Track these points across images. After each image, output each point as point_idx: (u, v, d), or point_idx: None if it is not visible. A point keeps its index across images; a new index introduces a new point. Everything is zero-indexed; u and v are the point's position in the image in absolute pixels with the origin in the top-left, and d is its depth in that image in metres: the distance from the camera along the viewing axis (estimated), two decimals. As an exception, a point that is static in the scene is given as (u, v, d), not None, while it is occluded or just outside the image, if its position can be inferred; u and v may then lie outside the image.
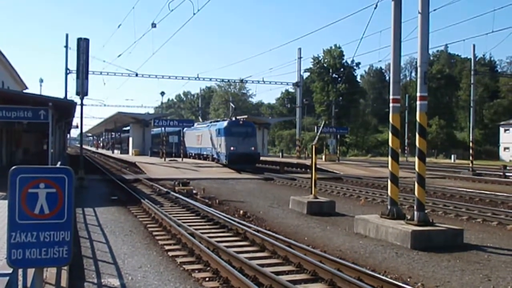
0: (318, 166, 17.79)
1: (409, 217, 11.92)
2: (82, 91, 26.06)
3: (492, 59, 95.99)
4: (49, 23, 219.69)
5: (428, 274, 8.89)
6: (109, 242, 11.11)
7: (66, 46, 30.95)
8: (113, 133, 78.43)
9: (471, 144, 39.13)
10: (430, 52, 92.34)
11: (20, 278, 5.57)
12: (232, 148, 36.83)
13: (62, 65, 34.21)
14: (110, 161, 53.95)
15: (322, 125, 31.35)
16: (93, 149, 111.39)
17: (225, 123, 39.25)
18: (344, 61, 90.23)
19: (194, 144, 47.88)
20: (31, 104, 20.66)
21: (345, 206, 17.96)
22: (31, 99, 21.55)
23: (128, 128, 64.06)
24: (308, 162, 36.99)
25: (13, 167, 4.72)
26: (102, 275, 8.42)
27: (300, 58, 53.09)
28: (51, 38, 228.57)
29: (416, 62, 12.80)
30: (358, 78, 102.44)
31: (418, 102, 12.14)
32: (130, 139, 58.87)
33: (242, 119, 43.73)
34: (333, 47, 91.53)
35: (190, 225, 12.63)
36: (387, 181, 12.98)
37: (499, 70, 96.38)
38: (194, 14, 21.92)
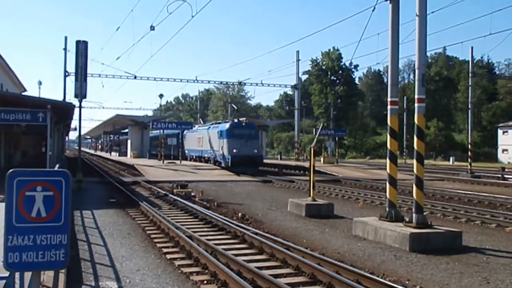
0: (316, 168, 17.79)
1: (407, 220, 11.91)
2: (81, 93, 26.04)
3: (490, 61, 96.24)
4: (48, 25, 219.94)
5: (426, 276, 8.88)
6: (107, 244, 11.08)
7: (65, 49, 30.87)
8: (111, 136, 78.39)
9: (469, 146, 39.18)
10: (428, 54, 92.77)
11: (17, 281, 5.54)
12: (234, 151, 35.99)
13: (61, 68, 34.14)
14: (108, 163, 53.90)
15: (320, 128, 31.26)
16: (92, 151, 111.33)
17: (227, 125, 38.40)
18: (342, 63, 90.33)
19: (195, 146, 46.91)
20: (30, 106, 20.62)
21: (343, 209, 17.95)
22: (29, 102, 21.51)
23: (126, 130, 64.02)
24: (306, 164, 37.02)
25: (10, 170, 4.71)
26: (100, 278, 8.40)
27: (298, 60, 53.14)
28: (50, 40, 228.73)
29: (414, 64, 12.82)
30: (357, 81, 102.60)
31: (416, 104, 12.15)
32: (129, 141, 58.83)
33: (244, 121, 43.17)
34: (332, 50, 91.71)
35: (188, 228, 12.61)
36: (385, 183, 12.98)
37: (497, 72, 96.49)
38: (192, 16, 21.98)
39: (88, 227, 13.38)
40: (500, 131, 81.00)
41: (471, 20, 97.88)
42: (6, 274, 5.08)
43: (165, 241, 11.52)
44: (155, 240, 11.56)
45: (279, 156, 71.29)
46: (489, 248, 11.42)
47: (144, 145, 56.73)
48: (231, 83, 78.21)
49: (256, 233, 11.81)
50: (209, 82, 56.80)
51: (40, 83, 56.66)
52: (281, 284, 7.56)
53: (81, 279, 8.26)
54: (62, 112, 26.11)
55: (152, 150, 55.46)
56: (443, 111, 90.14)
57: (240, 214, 15.76)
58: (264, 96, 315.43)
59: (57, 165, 24.63)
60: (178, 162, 42.92)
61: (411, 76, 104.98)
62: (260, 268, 8.73)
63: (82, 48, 26.19)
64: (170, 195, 20.18)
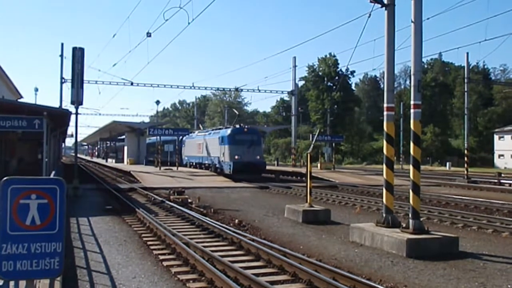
0: (313, 174, 17.79)
1: (404, 225, 11.90)
2: (77, 100, 26.04)
3: (485, 67, 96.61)
4: (45, 32, 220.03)
5: (423, 282, 8.86)
6: (103, 252, 11.04)
7: (61, 56, 30.88)
8: (108, 142, 78.30)
9: (466, 152, 39.23)
10: (424, 60, 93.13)
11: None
12: (236, 157, 35.08)
13: (57, 74, 34.20)
14: (105, 170, 53.80)
15: (317, 133, 31.18)
16: (88, 158, 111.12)
17: (228, 131, 37.42)
18: (339, 69, 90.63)
19: (194, 153, 45.90)
20: (26, 113, 20.56)
21: (340, 215, 17.93)
22: (25, 108, 21.45)
23: (123, 137, 63.94)
24: (303, 170, 36.95)
25: (4, 178, 4.68)
26: (96, 285, 8.36)
27: (295, 66, 53.21)
28: (46, 47, 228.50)
29: (410, 70, 12.85)
30: (353, 86, 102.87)
31: (412, 110, 12.17)
32: (125, 148, 58.77)
33: (246, 126, 41.63)
34: (328, 56, 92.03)
35: (185, 235, 12.58)
36: (382, 189, 12.98)
37: (493, 78, 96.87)
38: (188, 23, 21.97)
39: (84, 234, 13.34)
40: (496, 137, 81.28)
41: (467, 26, 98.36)
42: (0, 283, 5.04)
43: (162, 248, 11.48)
44: (152, 247, 11.52)
45: (276, 162, 71.28)
46: (486, 253, 11.42)
47: (141, 152, 56.67)
48: (228, 89, 78.32)
49: (253, 240, 11.78)
50: (206, 88, 57.01)
51: (36, 89, 56.88)
52: (277, 291, 7.53)
53: (77, 287, 8.22)
54: (58, 119, 26.05)
55: (149, 156, 55.37)
56: (439, 117, 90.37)
57: (237, 221, 15.73)
58: (260, 102, 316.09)
59: (53, 172, 24.58)
60: (175, 168, 42.84)
61: (407, 82, 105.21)
62: (257, 275, 8.70)
63: (78, 55, 26.21)
64: (167, 202, 20.12)
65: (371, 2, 12.86)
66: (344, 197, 23.82)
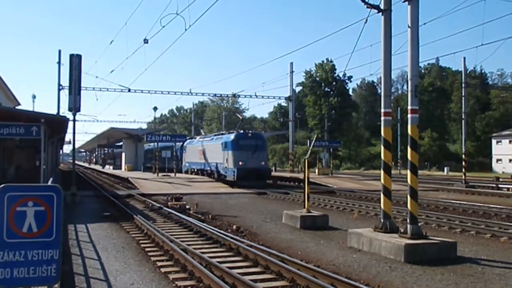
0: (311, 180, 17.77)
1: (402, 230, 11.89)
2: (75, 107, 25.99)
3: (482, 71, 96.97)
4: (42, 39, 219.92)
5: (421, 287, 8.85)
6: (101, 258, 11.01)
7: (59, 62, 30.93)
8: (105, 149, 78.17)
9: (463, 156, 39.29)
10: (422, 65, 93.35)
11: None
12: (240, 163, 33.76)
13: (55, 81, 34.17)
14: (102, 176, 53.72)
15: (314, 139, 31.25)
16: (86, 164, 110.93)
17: (232, 136, 36.01)
18: (336, 74, 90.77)
19: (196, 159, 44.15)
20: (23, 120, 20.57)
21: (338, 220, 17.91)
22: (23, 116, 21.44)
23: (121, 143, 63.87)
24: (301, 175, 36.88)
25: (1, 186, 4.68)
26: (93, 293, 8.33)
27: (292, 72, 53.29)
28: (44, 54, 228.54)
29: (407, 75, 12.87)
30: (350, 92, 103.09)
31: (409, 115, 12.18)
32: (123, 154, 58.67)
33: (250, 131, 40.29)
34: (325, 61, 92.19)
35: (182, 241, 12.54)
36: (380, 194, 12.98)
37: (490, 83, 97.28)
38: (185, 29, 22.03)
39: (82, 241, 13.30)
40: (494, 141, 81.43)
41: (463, 31, 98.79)
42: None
43: (160, 254, 11.45)
44: (150, 254, 11.48)
45: (273, 168, 71.27)
46: (484, 258, 11.41)
47: (139, 158, 56.60)
48: (226, 95, 78.35)
49: (251, 246, 11.76)
50: (203, 94, 57.12)
51: (34, 97, 56.59)
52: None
53: (74, 294, 8.19)
54: (56, 126, 26.07)
55: (147, 163, 55.27)
56: (437, 122, 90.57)
57: (234, 227, 15.71)
58: (258, 108, 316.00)
59: (51, 179, 24.55)
60: (172, 175, 42.78)
61: (405, 87, 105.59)
62: (255, 280, 8.68)
63: (75, 61, 26.19)
64: (165, 208, 20.08)
65: (368, 7, 12.90)
66: (342, 202, 23.80)
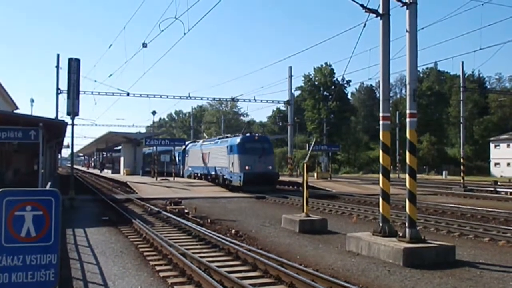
0: (310, 184, 17.79)
1: (401, 234, 11.89)
2: (73, 111, 26.05)
3: (481, 75, 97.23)
4: (40, 43, 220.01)
5: (420, 292, 8.85)
6: (99, 263, 10.99)
7: (57, 66, 30.91)
8: (104, 153, 78.12)
9: (462, 160, 39.34)
10: (420, 69, 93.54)
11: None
12: (247, 168, 32.42)
13: (53, 85, 34.20)
14: (101, 181, 53.67)
15: (313, 143, 31.21)
16: (84, 169, 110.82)
17: (237, 139, 34.47)
18: (335, 79, 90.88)
19: (199, 163, 42.39)
20: (22, 124, 20.53)
21: (337, 224, 17.91)
22: (21, 120, 21.42)
23: (119, 147, 63.84)
24: (300, 179, 36.87)
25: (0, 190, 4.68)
26: (92, 297, 8.31)
27: (291, 76, 53.45)
28: (42, 58, 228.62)
29: (406, 79, 12.90)
30: (349, 96, 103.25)
31: (407, 119, 12.21)
32: (122, 158, 58.64)
33: (257, 134, 39.01)
34: (324, 65, 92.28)
35: (181, 245, 12.53)
36: (378, 198, 12.98)
37: (488, 87, 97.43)
38: (184, 34, 22.04)
39: (81, 245, 13.28)
40: (492, 145, 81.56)
41: (461, 35, 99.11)
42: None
43: (158, 258, 11.43)
44: (148, 258, 11.47)
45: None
46: (483, 262, 11.42)
47: (137, 162, 56.58)
48: (224, 99, 78.42)
49: (250, 250, 11.75)
50: (202, 98, 57.16)
51: (32, 101, 56.67)
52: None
53: (73, 299, 8.17)
54: (54, 130, 26.01)
55: (146, 167, 55.19)
56: (435, 126, 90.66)
57: (233, 231, 15.69)
58: (257, 112, 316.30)
59: (49, 183, 24.51)
60: (171, 179, 42.74)
61: (403, 91, 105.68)
62: (254, 285, 8.68)
63: (74, 65, 26.25)
64: (163, 212, 20.07)
65: (366, 12, 12.94)
66: (341, 206, 23.80)
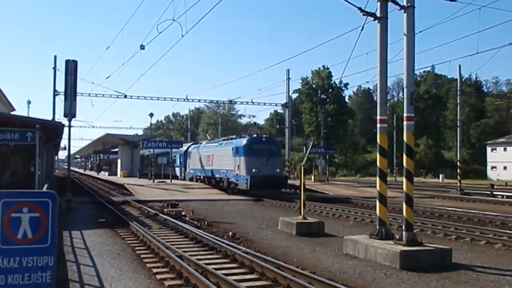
0: (307, 186, 17.79)
1: (397, 237, 11.91)
2: (70, 112, 25.97)
3: (478, 79, 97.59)
4: (38, 45, 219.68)
5: (417, 295, 8.86)
6: (96, 265, 10.97)
7: (54, 68, 30.89)
8: (101, 155, 78.01)
9: (458, 164, 39.40)
10: (417, 72, 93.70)
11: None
12: (254, 171, 30.97)
13: (50, 87, 34.11)
14: (98, 183, 53.56)
15: (310, 146, 31.03)
16: (81, 170, 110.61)
17: (244, 140, 33.04)
18: (332, 82, 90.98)
19: (202, 165, 40.84)
20: (18, 126, 20.52)
21: (334, 227, 17.91)
22: (18, 121, 21.39)
23: (116, 149, 63.74)
24: (297, 182, 36.76)
25: (-4, 192, 4.67)
26: (88, 299, 8.29)
27: (288, 79, 53.30)
28: (39, 60, 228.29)
29: (403, 82, 12.93)
30: (347, 99, 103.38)
31: (405, 123, 12.23)
32: (119, 160, 58.55)
33: (265, 135, 37.56)
34: (322, 68, 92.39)
35: (178, 248, 12.51)
36: (375, 201, 12.99)
37: (485, 90, 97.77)
38: (182, 36, 22.00)
39: (77, 247, 13.25)
40: (488, 148, 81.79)
41: (459, 39, 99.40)
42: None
43: (155, 261, 11.41)
44: (145, 260, 11.45)
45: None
46: (479, 265, 11.43)
47: (134, 164, 56.47)
48: (222, 102, 78.39)
49: (247, 252, 11.75)
50: (199, 100, 56.82)
51: (29, 102, 56.67)
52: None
53: (69, 301, 8.15)
54: (51, 132, 26.00)
55: (143, 169, 55.07)
56: (432, 129, 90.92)
57: (230, 233, 15.68)
58: (254, 115, 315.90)
59: (46, 185, 24.46)
60: (168, 181, 42.68)
61: (400, 95, 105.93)
62: (251, 287, 8.66)
63: (71, 67, 26.20)
64: (161, 215, 20.04)
65: (364, 15, 12.96)
66: (338, 209, 23.80)
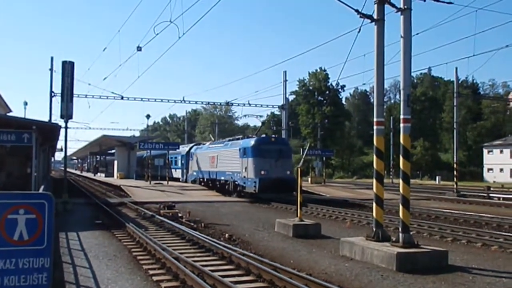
0: (304, 188, 17.78)
1: (394, 239, 11.92)
2: (67, 114, 25.99)
3: (474, 81, 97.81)
4: (34, 46, 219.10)
5: (413, 296, 8.87)
6: (92, 267, 10.95)
7: (51, 69, 30.82)
8: (98, 156, 77.85)
9: (455, 166, 39.49)
10: (414, 74, 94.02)
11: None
12: (262, 173, 29.35)
13: (47, 88, 34.03)
14: (94, 184, 53.48)
15: (307, 148, 31.10)
16: (78, 172, 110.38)
17: (252, 141, 31.40)
18: (329, 84, 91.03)
19: (206, 167, 38.73)
20: (15, 127, 20.48)
21: (330, 229, 17.92)
22: (14, 123, 21.35)
23: (113, 151, 63.65)
24: (294, 184, 36.67)
25: (-8, 193, 4.66)
26: (84, 301, 8.27)
27: (285, 81, 53.25)
28: (36, 61, 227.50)
29: (400, 85, 12.95)
30: (343, 101, 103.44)
31: (401, 125, 12.25)
32: (115, 162, 58.44)
33: (274, 135, 36.05)
34: (318, 70, 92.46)
35: (175, 249, 12.50)
36: (372, 203, 13.01)
37: (482, 93, 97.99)
38: (179, 37, 22.01)
39: (74, 249, 13.23)
40: (485, 151, 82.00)
41: (455, 42, 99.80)
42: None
43: (152, 262, 11.41)
44: (142, 262, 11.44)
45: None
46: (475, 267, 11.46)
47: (131, 166, 56.38)
48: (219, 104, 78.36)
49: (243, 254, 11.75)
50: (196, 102, 57.07)
51: (25, 103, 56.39)
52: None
53: (65, 303, 8.13)
54: (47, 133, 25.94)
55: (140, 171, 54.96)
56: (429, 131, 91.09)
57: (227, 235, 15.68)
58: (251, 116, 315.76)
59: (42, 187, 24.41)
60: (165, 183, 42.62)
61: (397, 97, 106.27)
62: (247, 289, 8.67)
63: (68, 68, 26.22)
64: (157, 216, 20.02)
65: (361, 17, 12.99)
66: (335, 211, 23.82)
